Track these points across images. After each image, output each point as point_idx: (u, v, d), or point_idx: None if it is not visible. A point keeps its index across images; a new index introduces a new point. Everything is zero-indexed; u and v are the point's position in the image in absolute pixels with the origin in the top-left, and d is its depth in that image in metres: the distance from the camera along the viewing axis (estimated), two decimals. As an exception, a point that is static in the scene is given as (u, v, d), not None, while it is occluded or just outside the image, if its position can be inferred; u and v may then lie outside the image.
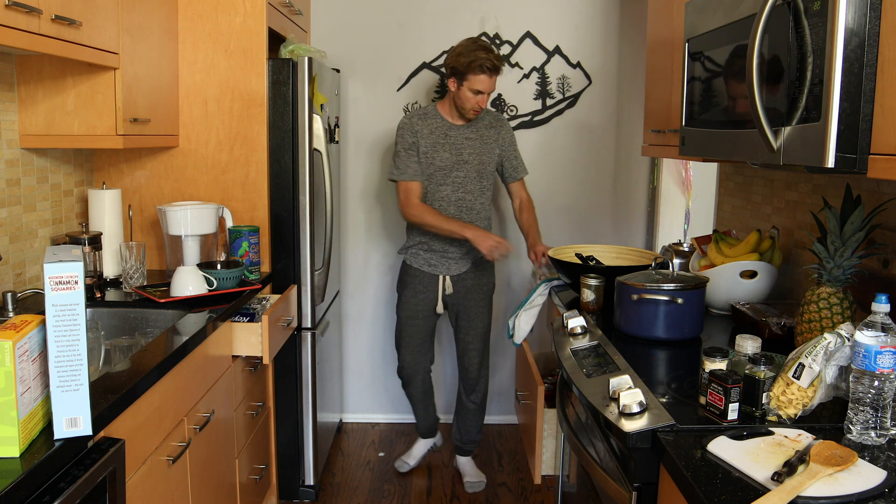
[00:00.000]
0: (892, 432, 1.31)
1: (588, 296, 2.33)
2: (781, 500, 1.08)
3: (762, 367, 1.42)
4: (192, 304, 2.20)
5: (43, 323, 1.24)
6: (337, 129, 3.29)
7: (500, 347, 3.70)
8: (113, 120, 2.17)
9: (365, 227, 3.62)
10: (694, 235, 2.68)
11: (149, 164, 2.70)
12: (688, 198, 3.55)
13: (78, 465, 1.28)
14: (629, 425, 1.40)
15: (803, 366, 1.40)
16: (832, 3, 1.28)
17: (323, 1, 3.46)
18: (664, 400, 1.52)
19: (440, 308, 3.02)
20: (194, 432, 1.91)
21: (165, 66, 2.52)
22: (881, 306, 1.29)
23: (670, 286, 1.99)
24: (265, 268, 2.77)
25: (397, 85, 3.52)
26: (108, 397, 1.43)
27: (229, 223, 2.63)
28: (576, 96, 3.53)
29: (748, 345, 1.60)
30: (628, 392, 1.46)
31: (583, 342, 1.99)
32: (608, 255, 2.77)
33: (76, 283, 1.21)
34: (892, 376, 1.27)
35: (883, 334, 1.26)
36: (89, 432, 1.26)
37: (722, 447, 1.27)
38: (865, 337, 1.27)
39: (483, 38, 3.47)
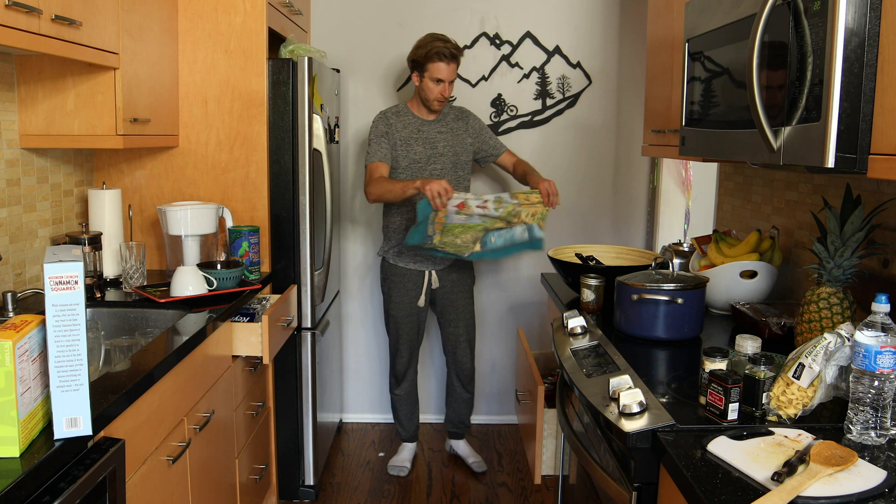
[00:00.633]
0: (892, 432, 1.31)
1: (588, 296, 2.33)
2: (781, 500, 1.08)
3: (762, 367, 1.42)
4: (192, 304, 2.20)
5: (43, 323, 1.24)
6: (337, 129, 3.29)
7: (500, 347, 3.70)
8: (113, 120, 2.17)
9: (365, 227, 3.62)
10: (694, 235, 2.68)
11: (149, 164, 2.70)
12: (688, 198, 3.55)
13: (78, 465, 1.28)
14: (629, 425, 1.40)
15: (803, 366, 1.40)
16: (832, 3, 1.28)
17: (323, 1, 3.46)
18: (664, 400, 1.52)
19: (422, 301, 3.08)
20: (194, 432, 1.91)
21: (165, 66, 2.52)
22: (881, 306, 1.29)
23: (670, 286, 1.99)
24: (265, 268, 2.77)
25: (397, 85, 3.53)
26: (108, 397, 1.43)
27: (229, 223, 2.63)
28: (576, 96, 3.53)
29: (748, 345, 1.60)
30: (628, 392, 1.46)
31: (583, 342, 1.99)
32: (608, 255, 2.77)
33: (76, 283, 1.21)
34: (892, 376, 1.27)
35: (883, 334, 1.26)
36: (89, 432, 1.26)
37: (722, 447, 1.27)
38: (865, 337, 1.27)
39: (483, 37, 3.48)
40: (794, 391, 1.40)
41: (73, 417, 1.25)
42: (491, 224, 2.82)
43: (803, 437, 1.30)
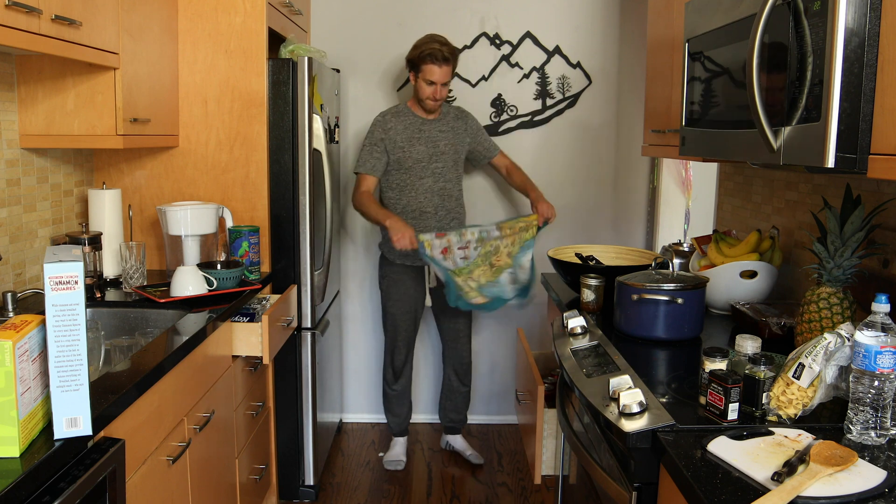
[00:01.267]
0: (892, 432, 1.31)
1: (588, 296, 2.33)
2: (781, 500, 1.08)
3: (762, 367, 1.42)
4: (192, 304, 2.20)
5: (43, 323, 1.24)
6: (337, 129, 3.29)
7: (500, 347, 3.70)
8: (113, 120, 2.17)
9: (365, 227, 3.62)
10: (694, 235, 2.68)
11: (149, 164, 2.70)
12: (688, 198, 3.55)
13: (78, 465, 1.28)
14: (629, 425, 1.40)
15: (803, 366, 1.40)
16: (832, 3, 1.28)
17: (323, 1, 3.46)
18: (664, 400, 1.52)
19: (428, 301, 3.17)
20: (194, 432, 1.91)
21: (165, 66, 2.52)
22: (881, 306, 1.29)
23: (670, 286, 1.99)
24: (265, 268, 2.77)
25: (397, 85, 3.52)
26: (108, 397, 1.43)
27: (229, 223, 2.63)
28: (576, 96, 3.53)
29: (748, 345, 1.60)
30: (628, 392, 1.46)
31: (583, 342, 1.99)
32: (608, 255, 2.77)
33: (76, 283, 1.21)
34: (892, 376, 1.27)
35: (883, 334, 1.26)
36: (89, 432, 1.26)
37: (722, 447, 1.27)
38: (865, 337, 1.27)
39: (483, 37, 3.48)
40: (794, 391, 1.40)
41: (73, 417, 1.25)
42: (474, 266, 2.94)
43: (803, 437, 1.30)
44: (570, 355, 1.90)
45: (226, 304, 2.23)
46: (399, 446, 3.35)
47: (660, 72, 2.52)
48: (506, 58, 3.50)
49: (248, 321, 2.30)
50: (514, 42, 3.49)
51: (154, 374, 1.62)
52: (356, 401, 3.77)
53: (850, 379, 1.32)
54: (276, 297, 2.57)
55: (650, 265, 2.31)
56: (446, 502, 3.00)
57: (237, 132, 2.68)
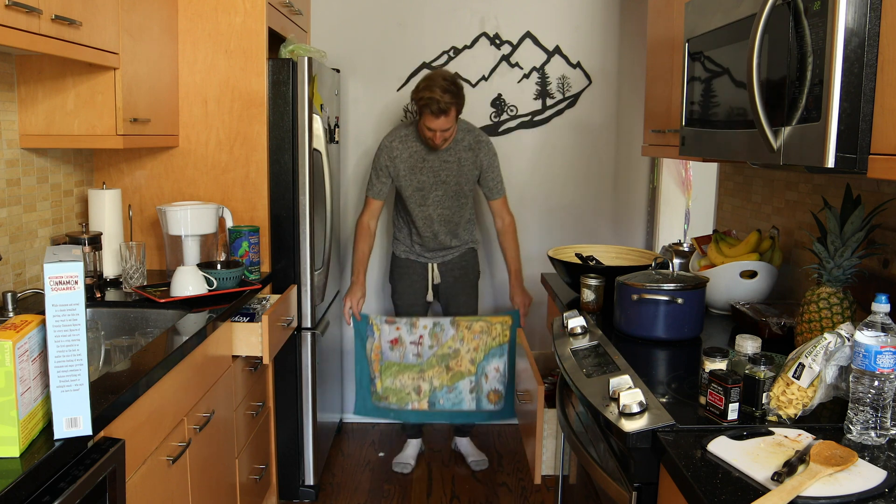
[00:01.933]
0: (892, 432, 1.31)
1: (588, 296, 2.33)
2: (781, 500, 1.08)
3: (762, 367, 1.42)
4: (192, 304, 2.20)
5: (43, 323, 1.24)
6: (337, 129, 3.29)
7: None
8: (113, 120, 2.17)
9: (365, 227, 3.62)
10: (694, 235, 2.68)
11: (149, 164, 2.70)
12: (688, 198, 3.55)
13: (78, 465, 1.28)
14: (629, 425, 1.40)
15: (803, 366, 1.40)
16: (832, 3, 1.28)
17: (323, 1, 3.46)
18: (664, 400, 1.52)
19: (430, 296, 3.18)
20: (194, 432, 1.91)
21: (165, 66, 2.52)
22: (881, 306, 1.29)
23: (670, 286, 1.99)
24: (265, 268, 2.77)
25: (397, 85, 3.53)
26: (108, 397, 1.43)
27: (229, 223, 2.63)
28: (576, 96, 3.53)
29: (748, 345, 1.60)
30: (628, 392, 1.46)
31: (583, 342, 1.99)
32: (608, 255, 2.77)
33: (76, 283, 1.21)
34: (892, 376, 1.27)
35: (883, 334, 1.26)
36: (89, 432, 1.26)
37: (722, 447, 1.27)
38: (865, 337, 1.27)
39: (483, 37, 3.48)
40: (794, 391, 1.40)
41: (73, 417, 1.25)
42: (428, 366, 2.92)
43: (803, 437, 1.30)
44: (570, 355, 1.90)
45: (226, 304, 2.23)
46: (411, 448, 3.33)
47: (660, 72, 2.52)
48: (506, 58, 3.50)
49: (248, 321, 2.30)
50: (514, 42, 3.49)
51: (154, 374, 1.62)
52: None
53: (850, 379, 1.32)
54: (276, 297, 2.57)
55: (650, 265, 2.31)
56: (446, 502, 3.00)
57: (237, 132, 2.68)
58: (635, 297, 2.00)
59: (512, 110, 3.53)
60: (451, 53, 3.49)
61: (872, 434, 1.30)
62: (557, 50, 3.50)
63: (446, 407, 2.93)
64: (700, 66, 1.91)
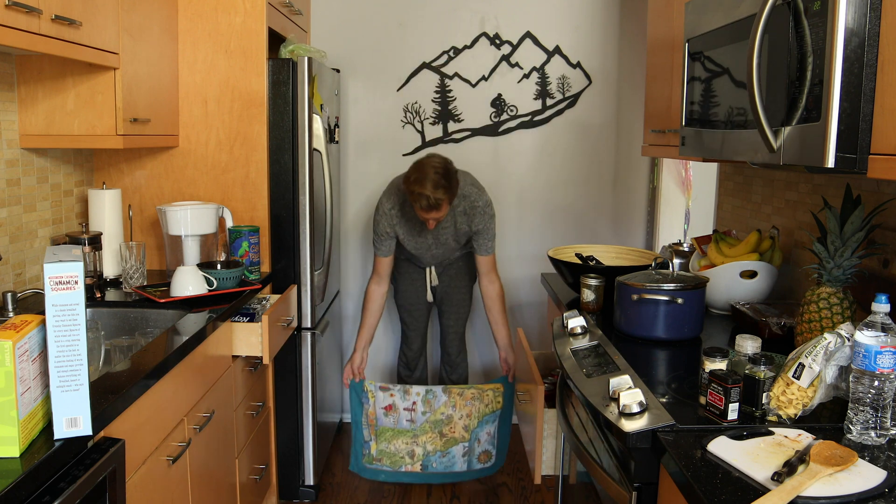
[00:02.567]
0: (892, 432, 1.31)
1: (588, 296, 2.33)
2: (781, 500, 1.08)
3: (762, 367, 1.42)
4: (192, 304, 2.20)
5: (43, 323, 1.24)
6: (337, 129, 3.29)
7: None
8: (113, 120, 2.17)
9: (364, 227, 3.62)
10: (694, 235, 2.68)
11: (149, 164, 2.70)
12: (688, 198, 3.55)
13: (78, 465, 1.28)
14: (629, 425, 1.40)
15: (803, 366, 1.40)
16: (832, 3, 1.28)
17: (323, 1, 3.46)
18: (664, 400, 1.52)
19: (429, 297, 3.21)
20: (194, 432, 1.91)
21: (165, 66, 2.52)
22: (881, 306, 1.29)
23: (670, 286, 1.99)
24: (265, 268, 2.77)
25: (397, 85, 3.52)
26: (108, 397, 1.43)
27: (229, 223, 2.63)
28: (576, 96, 3.53)
29: (748, 345, 1.60)
30: (628, 392, 1.46)
31: (583, 342, 1.99)
32: (608, 255, 2.77)
33: (76, 283, 1.21)
34: (892, 376, 1.27)
35: (883, 334, 1.26)
36: (89, 432, 1.26)
37: (722, 447, 1.27)
38: (865, 337, 1.27)
39: (483, 37, 3.47)
40: (794, 391, 1.40)
41: (73, 417, 1.25)
42: (421, 432, 3.01)
43: (803, 437, 1.30)
44: (570, 355, 1.90)
45: (226, 304, 2.23)
46: None
47: (660, 72, 2.52)
48: (506, 58, 3.50)
49: (248, 321, 2.30)
50: (514, 42, 3.49)
51: (154, 374, 1.62)
52: (356, 401, 3.77)
53: (850, 379, 1.32)
54: (276, 297, 2.57)
55: (650, 265, 2.31)
56: (446, 502, 2.99)
57: (237, 132, 2.68)
58: (635, 297, 2.00)
59: (512, 110, 3.53)
60: (451, 53, 3.49)
61: (872, 434, 1.30)
62: (557, 50, 3.50)
63: (439, 470, 3.04)
64: (700, 65, 1.91)
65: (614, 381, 1.55)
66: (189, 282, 2.26)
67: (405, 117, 3.54)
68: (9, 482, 1.09)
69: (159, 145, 2.54)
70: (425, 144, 3.55)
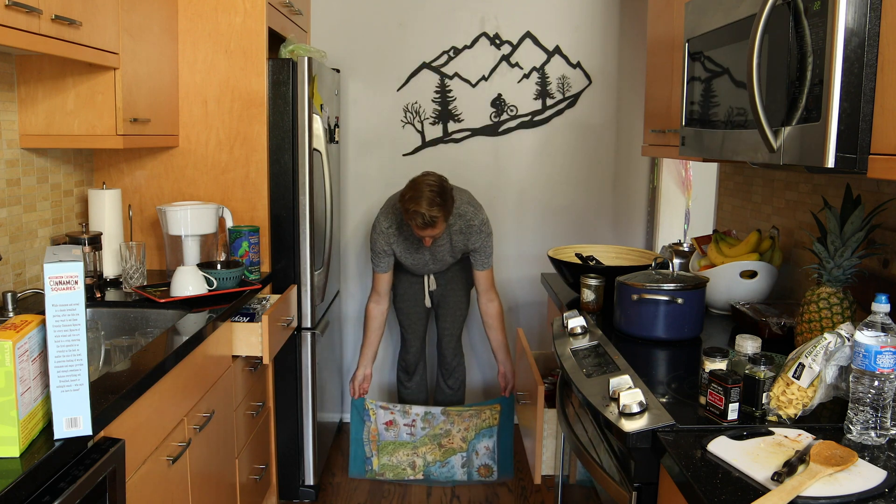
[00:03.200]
0: (892, 432, 1.31)
1: (588, 296, 2.33)
2: (781, 500, 1.08)
3: (762, 367, 1.42)
4: (192, 304, 2.20)
5: (43, 323, 1.24)
6: (337, 129, 3.29)
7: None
8: (113, 120, 2.17)
9: (365, 227, 3.62)
10: (694, 235, 2.68)
11: (149, 164, 2.70)
12: (688, 198, 3.55)
13: (78, 465, 1.28)
14: (629, 425, 1.40)
15: (803, 366, 1.40)
16: (832, 3, 1.28)
17: (323, 1, 3.46)
18: (664, 400, 1.52)
19: (427, 302, 3.23)
20: (194, 432, 1.91)
21: (165, 66, 2.52)
22: (881, 306, 1.29)
23: (670, 286, 1.99)
24: (265, 268, 2.77)
25: (397, 85, 3.52)
26: (108, 397, 1.43)
27: (229, 223, 2.63)
28: (576, 96, 3.53)
29: (748, 345, 1.60)
30: (628, 392, 1.46)
31: (583, 342, 1.99)
32: (608, 255, 2.77)
33: (76, 283, 1.21)
34: (892, 376, 1.27)
35: (883, 334, 1.26)
36: (89, 432, 1.26)
37: (722, 447, 1.27)
38: (865, 337, 1.27)
39: (483, 37, 3.47)
40: (794, 391, 1.40)
41: (73, 417, 1.25)
42: (421, 444, 3.11)
43: (803, 437, 1.30)
44: (570, 355, 1.90)
45: (226, 304, 2.23)
46: None
47: (660, 72, 2.52)
48: (506, 58, 3.50)
49: (248, 321, 2.30)
50: (514, 42, 3.49)
51: (154, 374, 1.62)
52: (356, 401, 3.77)
53: (850, 379, 1.32)
54: (276, 297, 2.57)
55: (650, 265, 2.31)
56: (446, 502, 2.99)
57: (237, 132, 2.68)
58: (635, 297, 2.00)
59: (512, 110, 3.53)
60: (451, 53, 3.49)
61: (872, 434, 1.30)
62: (557, 50, 3.50)
63: (440, 479, 3.12)
64: (700, 65, 1.91)
65: (614, 381, 1.55)
66: (189, 282, 2.26)
67: (405, 117, 3.54)
68: (9, 482, 1.09)
69: (159, 145, 2.54)
70: (425, 144, 3.55)
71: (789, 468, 1.15)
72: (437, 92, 3.51)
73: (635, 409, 1.43)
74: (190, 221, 2.46)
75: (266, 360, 2.30)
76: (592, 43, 3.50)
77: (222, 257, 2.65)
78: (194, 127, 2.67)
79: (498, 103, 3.53)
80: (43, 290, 1.46)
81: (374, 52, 3.50)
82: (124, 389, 1.47)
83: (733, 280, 2.21)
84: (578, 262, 2.60)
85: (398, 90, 3.52)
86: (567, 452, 2.19)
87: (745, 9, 1.61)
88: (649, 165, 3.61)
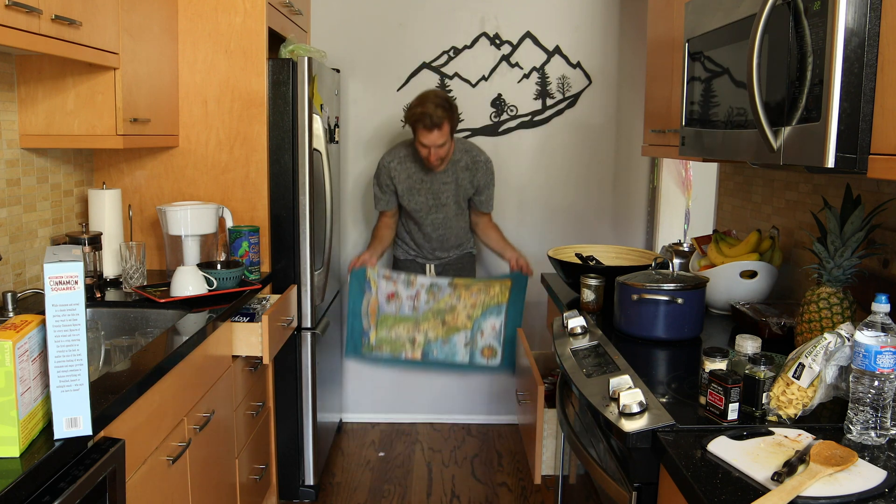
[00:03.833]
0: (892, 432, 1.31)
1: (588, 296, 2.33)
2: (781, 500, 1.08)
3: (762, 367, 1.42)
4: (192, 304, 2.20)
5: (43, 323, 1.24)
6: (337, 129, 3.29)
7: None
8: (113, 120, 2.17)
9: (365, 227, 3.62)
10: (694, 235, 2.68)
11: (149, 164, 2.70)
12: (688, 198, 3.55)
13: (78, 465, 1.28)
14: (629, 425, 1.40)
15: (803, 366, 1.40)
16: (832, 3, 1.28)
17: (323, 1, 3.46)
18: (664, 400, 1.52)
19: None
20: (194, 432, 1.91)
21: (165, 66, 2.52)
22: (881, 306, 1.29)
23: (670, 286, 1.99)
24: (265, 268, 2.77)
25: (397, 85, 3.52)
26: (108, 397, 1.43)
27: (229, 223, 2.63)
28: (576, 96, 3.53)
29: (748, 345, 1.60)
30: (628, 392, 1.46)
31: (583, 342, 1.99)
32: (608, 255, 2.77)
33: (76, 283, 1.21)
34: (892, 376, 1.27)
35: (883, 334, 1.26)
36: (89, 432, 1.26)
37: (722, 447, 1.27)
38: (865, 337, 1.27)
39: (483, 37, 3.47)
40: (794, 391, 1.40)
41: (73, 417, 1.25)
42: (423, 319, 2.95)
43: (803, 437, 1.30)
44: (570, 355, 1.90)
45: (226, 304, 2.23)
46: None
47: (660, 72, 2.52)
48: (506, 58, 3.50)
49: (248, 321, 2.30)
50: (514, 42, 3.49)
51: (154, 374, 1.62)
52: (356, 401, 3.77)
53: (850, 379, 1.32)
54: (276, 297, 2.57)
55: (650, 265, 2.31)
56: (446, 502, 3.00)
57: (237, 132, 2.68)
58: (635, 297, 2.00)
59: (512, 110, 3.53)
60: (451, 53, 3.49)
61: (872, 434, 1.30)
62: (557, 50, 3.50)
63: (440, 358, 2.94)
64: (700, 66, 1.91)
65: (614, 381, 1.55)
66: (189, 282, 2.26)
67: (405, 117, 3.53)
68: (9, 482, 1.09)
69: (159, 145, 2.54)
70: (425, 144, 3.55)
71: (789, 468, 1.15)
72: (437, 92, 3.51)
73: (635, 409, 1.43)
74: (190, 221, 2.46)
75: (266, 360, 2.30)
76: (592, 43, 3.50)
77: (222, 257, 2.65)
78: (194, 127, 2.67)
79: (498, 103, 3.53)
80: (43, 290, 1.46)
81: (374, 53, 3.50)
82: (124, 389, 1.47)
83: (733, 280, 2.21)
84: (578, 262, 2.60)
85: (398, 90, 3.52)
86: (567, 452, 2.19)
87: (744, 9, 1.61)
88: (649, 165, 3.61)
